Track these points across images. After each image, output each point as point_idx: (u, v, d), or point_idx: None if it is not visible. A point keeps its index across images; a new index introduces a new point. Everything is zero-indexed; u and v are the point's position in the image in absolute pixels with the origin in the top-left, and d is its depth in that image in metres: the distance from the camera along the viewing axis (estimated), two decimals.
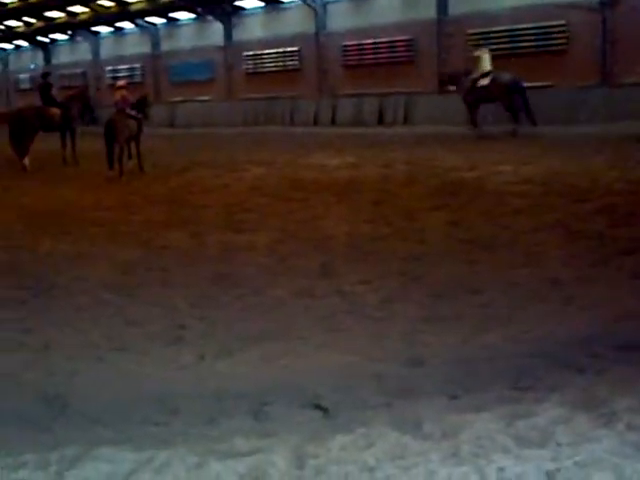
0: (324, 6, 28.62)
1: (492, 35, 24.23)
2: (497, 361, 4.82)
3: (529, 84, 20.34)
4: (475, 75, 20.23)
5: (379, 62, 26.91)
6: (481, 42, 23.26)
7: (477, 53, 20.73)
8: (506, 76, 19.85)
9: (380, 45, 27.05)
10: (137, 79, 34.97)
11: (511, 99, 19.79)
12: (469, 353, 5.02)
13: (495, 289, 6.46)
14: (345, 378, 4.68)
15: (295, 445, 3.69)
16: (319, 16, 28.58)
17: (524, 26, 23.71)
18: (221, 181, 14.10)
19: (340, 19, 28.31)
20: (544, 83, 22.74)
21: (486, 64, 20.26)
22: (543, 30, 23.41)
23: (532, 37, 23.66)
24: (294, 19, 29.52)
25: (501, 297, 6.23)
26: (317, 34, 28.79)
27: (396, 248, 8.09)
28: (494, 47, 22.52)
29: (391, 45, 26.79)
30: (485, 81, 19.89)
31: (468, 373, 4.60)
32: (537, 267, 7.12)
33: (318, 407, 4.25)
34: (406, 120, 25.60)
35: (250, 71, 31.31)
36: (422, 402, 4.17)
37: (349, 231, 9.07)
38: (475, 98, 20.27)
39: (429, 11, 26.06)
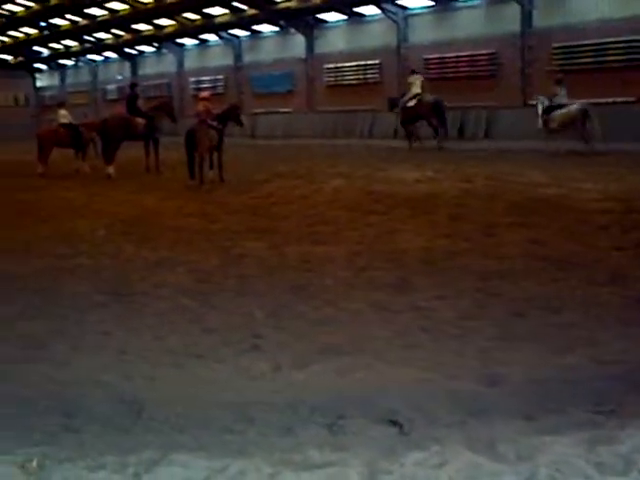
0: (406, 19, 28.59)
1: (578, 49, 23.75)
2: (577, 383, 4.69)
3: (617, 99, 19.87)
4: (406, 98, 23.40)
5: (460, 75, 26.69)
6: (566, 56, 22.80)
7: (410, 79, 23.79)
8: (430, 98, 22.94)
9: (462, 58, 26.83)
10: (220, 90, 35.52)
11: (433, 117, 22.84)
12: (547, 374, 4.89)
13: (576, 309, 6.30)
14: (420, 395, 4.63)
15: (369, 460, 3.67)
16: (401, 29, 28.55)
17: (612, 40, 23.11)
18: (300, 192, 14.19)
19: (422, 32, 28.22)
20: (629, 99, 22.15)
21: (416, 88, 23.35)
22: (632, 44, 22.76)
23: (620, 51, 23.04)
24: (376, 32, 29.57)
25: (582, 317, 6.07)
26: (399, 47, 28.75)
27: (474, 264, 7.98)
28: (580, 61, 22.05)
29: (473, 59, 26.56)
30: (412, 102, 23.04)
31: (546, 394, 4.49)
32: (621, 287, 6.91)
33: (393, 423, 4.21)
34: (487, 134, 25.32)
35: (330, 83, 31.46)
36: (497, 422, 4.10)
37: (426, 245, 9.00)
38: (405, 117, 23.44)
39: (513, 24, 25.72)
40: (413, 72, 24.35)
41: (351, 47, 30.43)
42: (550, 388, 4.60)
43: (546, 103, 19.87)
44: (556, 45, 24.53)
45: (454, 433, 3.99)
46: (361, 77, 30.11)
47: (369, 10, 29.34)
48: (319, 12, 30.58)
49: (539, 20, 25.45)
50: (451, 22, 27.36)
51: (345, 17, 30.42)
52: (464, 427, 4.07)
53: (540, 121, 19.86)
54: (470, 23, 26.55)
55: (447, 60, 27.29)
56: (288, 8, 30.05)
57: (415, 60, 28.02)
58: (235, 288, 7.46)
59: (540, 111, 19.91)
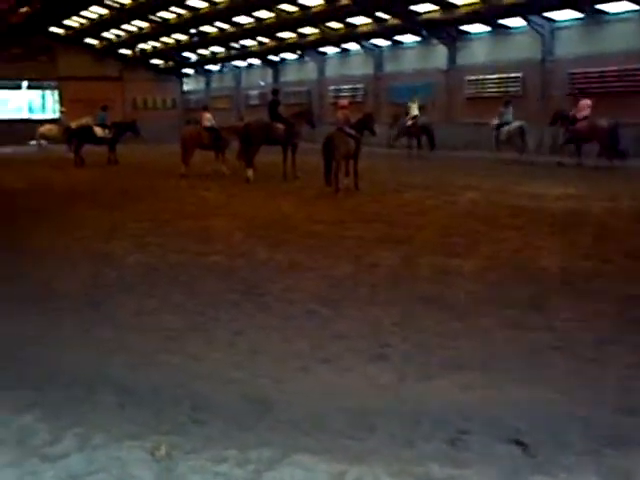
0: (552, 32, 27.79)
1: None
2: None
3: None
4: (405, 119, 27.64)
5: (607, 91, 25.66)
6: None
7: (409, 104, 27.66)
8: (423, 119, 27.28)
9: (609, 73, 25.79)
10: (359, 99, 35.74)
11: (423, 135, 27.08)
12: None
13: None
14: (549, 417, 4.48)
15: (491, 479, 3.58)
16: (546, 42, 27.79)
17: None
18: (435, 203, 14.07)
19: (568, 45, 27.32)
20: None
21: (414, 111, 27.42)
22: None
23: None
24: (519, 45, 28.89)
25: None
26: (543, 60, 28.00)
27: (615, 287, 7.63)
28: None
29: (624, 73, 25.46)
30: (409, 122, 27.34)
31: None
32: None
33: (518, 443, 4.10)
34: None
35: (471, 95, 31.04)
36: (634, 453, 3.90)
37: (564, 265, 8.69)
38: (403, 134, 28.17)
39: None
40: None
41: (493, 59, 29.87)
42: None
43: (496, 121, 25.02)
44: None
45: (585, 461, 3.84)
46: (502, 90, 29.51)
47: (514, 22, 28.76)
48: (462, 23, 30.22)
49: None
50: (600, 35, 26.31)
51: (489, 29, 29.94)
52: (597, 456, 3.90)
53: (493, 135, 25.02)
54: (620, 37, 25.47)
55: (593, 75, 26.31)
56: (431, 19, 29.90)
57: (559, 74, 27.21)
58: (365, 296, 7.47)
59: (494, 127, 25.05)
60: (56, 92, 47.21)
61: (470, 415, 4.49)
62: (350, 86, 37.26)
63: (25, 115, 46.85)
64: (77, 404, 4.78)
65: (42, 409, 4.61)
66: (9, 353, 5.90)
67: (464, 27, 30.78)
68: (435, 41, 32.18)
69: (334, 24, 34.34)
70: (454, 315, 6.70)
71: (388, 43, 34.91)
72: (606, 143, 21.44)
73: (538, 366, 5.40)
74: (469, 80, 31.13)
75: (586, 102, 22.34)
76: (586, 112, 22.21)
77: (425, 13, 29.98)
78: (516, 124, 24.22)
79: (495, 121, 25.22)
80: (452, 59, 31.87)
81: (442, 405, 4.71)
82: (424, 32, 32.11)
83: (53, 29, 45.56)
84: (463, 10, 28.63)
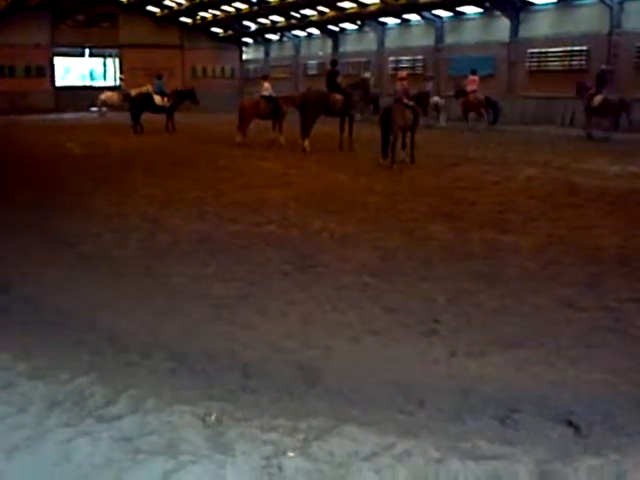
0: (621, 4, 26.98)
1: None
2: None
3: None
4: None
5: None
6: None
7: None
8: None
9: None
10: (418, 71, 35.28)
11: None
12: None
13: None
14: (601, 398, 4.42)
15: (540, 459, 3.57)
16: (614, 14, 27.01)
17: None
18: (490, 178, 13.88)
19: (637, 19, 26.52)
20: None
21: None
22: None
23: None
24: (586, 17, 28.12)
25: None
26: (610, 33, 27.23)
27: None
28: None
29: None
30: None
31: None
32: None
33: (569, 423, 4.06)
34: None
35: (533, 69, 30.36)
36: None
37: (623, 244, 8.51)
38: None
39: None
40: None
41: (557, 32, 29.13)
42: None
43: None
44: None
45: (637, 443, 3.78)
46: (566, 64, 28.82)
47: None
48: None
49: None
50: None
51: (554, 0, 29.21)
52: None
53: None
54: None
55: None
56: None
57: (627, 48, 26.45)
58: (417, 270, 7.45)
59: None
60: (117, 60, 47.73)
61: (521, 393, 4.47)
62: (409, 57, 36.81)
63: (87, 82, 47.52)
64: (131, 368, 4.90)
65: (98, 372, 4.73)
66: (68, 317, 6.06)
67: None
68: (498, 13, 31.53)
69: None
70: (507, 292, 6.64)
71: (449, 14, 34.34)
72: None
73: (592, 346, 5.32)
74: (531, 53, 30.47)
75: (474, 78, 27.13)
76: (474, 86, 26.85)
77: None
78: (434, 99, 27.87)
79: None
80: (515, 31, 31.19)
81: (493, 382, 4.69)
82: (487, 3, 31.48)
83: None
84: None
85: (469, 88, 27.18)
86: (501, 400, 4.36)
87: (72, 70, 48.08)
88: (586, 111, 23.12)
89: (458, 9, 33.45)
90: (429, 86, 27.91)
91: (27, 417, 4.10)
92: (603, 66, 23.92)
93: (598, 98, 22.41)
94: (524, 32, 30.84)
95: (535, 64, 30.40)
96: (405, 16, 36.54)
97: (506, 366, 4.96)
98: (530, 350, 5.23)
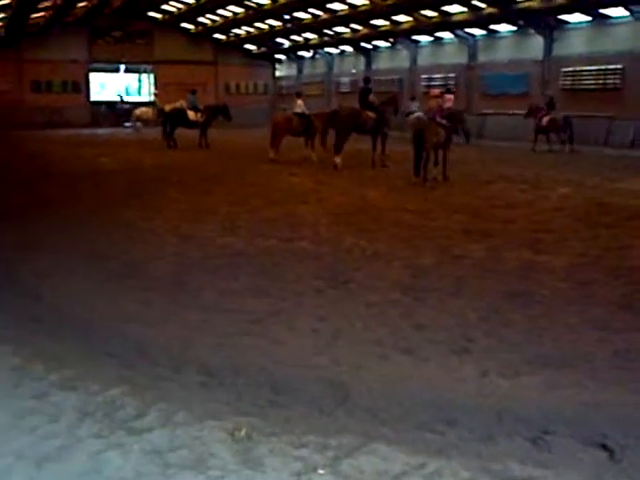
0: None
1: None
2: None
3: None
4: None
5: None
6: None
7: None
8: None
9: None
10: (451, 88, 35.32)
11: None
12: None
13: None
14: (636, 421, 4.34)
15: None
16: None
17: None
18: (524, 197, 13.78)
19: None
20: None
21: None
22: None
23: None
24: (621, 35, 27.87)
25: None
26: None
27: None
28: None
29: None
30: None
31: None
32: None
33: (603, 447, 3.99)
34: None
35: (567, 87, 30.19)
36: None
37: None
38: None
39: None
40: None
41: (592, 50, 28.93)
42: None
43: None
44: None
45: None
46: (600, 82, 28.62)
47: (616, 12, 27.77)
48: (561, 13, 29.35)
49: None
50: None
51: (589, 18, 29.02)
52: None
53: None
54: None
55: None
56: (529, 7, 29.14)
57: None
58: (449, 288, 7.40)
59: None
60: (152, 75, 48.28)
61: (554, 415, 4.40)
62: (442, 75, 36.78)
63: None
64: (162, 381, 4.91)
65: (129, 384, 4.75)
66: (99, 329, 6.11)
67: (563, 17, 29.91)
68: (531, 31, 31.41)
69: (428, 12, 33.92)
70: (541, 312, 6.57)
71: (482, 32, 34.28)
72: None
73: (626, 368, 5.24)
74: (565, 72, 30.28)
75: (450, 96, 26.35)
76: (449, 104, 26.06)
77: (523, 1, 29.25)
78: (415, 115, 28.12)
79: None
80: (548, 49, 31.03)
81: (525, 403, 4.63)
82: (521, 22, 31.38)
83: (152, 13, 46.53)
84: None
85: (446, 105, 26.53)
86: (533, 421, 4.30)
87: (107, 85, 48.73)
88: (536, 130, 25.79)
89: (491, 27, 33.39)
90: (414, 106, 29.71)
91: (58, 427, 4.13)
92: (549, 92, 27.85)
93: (546, 118, 25.44)
94: (558, 50, 30.67)
95: (569, 82, 30.19)
96: (438, 34, 36.55)
97: (539, 387, 4.90)
98: (563, 371, 5.17)
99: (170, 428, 4.12)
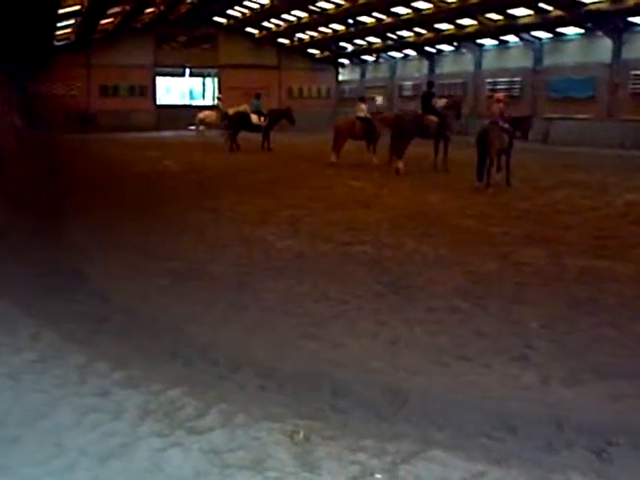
0: None
1: None
2: None
3: None
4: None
5: None
6: None
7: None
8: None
9: None
10: (515, 93, 34.77)
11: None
12: None
13: None
14: None
15: None
16: None
17: None
18: (588, 203, 13.51)
19: None
20: None
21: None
22: None
23: None
24: None
25: None
26: None
27: None
28: None
29: None
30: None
31: None
32: None
33: None
34: None
35: (636, 91, 29.51)
36: None
37: None
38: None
39: None
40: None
41: None
42: None
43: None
44: None
45: None
46: None
47: None
48: (632, 15, 28.74)
49: None
50: None
51: None
52: None
53: None
54: None
55: None
56: (598, 10, 28.59)
57: None
58: (510, 295, 7.31)
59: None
60: (216, 79, 48.89)
61: (618, 426, 4.31)
62: (507, 79, 36.34)
63: (186, 101, 48.89)
64: (222, 382, 4.97)
65: (189, 384, 4.82)
66: (162, 329, 6.21)
67: (632, 19, 29.24)
68: (600, 33, 30.78)
69: (493, 15, 33.55)
70: (605, 320, 6.43)
71: (548, 35, 33.74)
72: None
73: None
74: (635, 75, 29.59)
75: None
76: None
77: (591, 4, 28.69)
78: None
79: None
80: (617, 52, 30.37)
81: (588, 412, 4.54)
82: (589, 24, 30.78)
83: (217, 18, 47.16)
84: (632, 1, 27.15)
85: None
86: (596, 432, 4.22)
87: (173, 89, 49.56)
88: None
89: (558, 30, 32.83)
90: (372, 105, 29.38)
91: (121, 425, 4.22)
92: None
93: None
94: (627, 53, 29.99)
95: (639, 86, 29.48)
96: (503, 37, 36.13)
97: (602, 396, 4.80)
98: (628, 381, 5.05)
99: (229, 429, 4.17)
